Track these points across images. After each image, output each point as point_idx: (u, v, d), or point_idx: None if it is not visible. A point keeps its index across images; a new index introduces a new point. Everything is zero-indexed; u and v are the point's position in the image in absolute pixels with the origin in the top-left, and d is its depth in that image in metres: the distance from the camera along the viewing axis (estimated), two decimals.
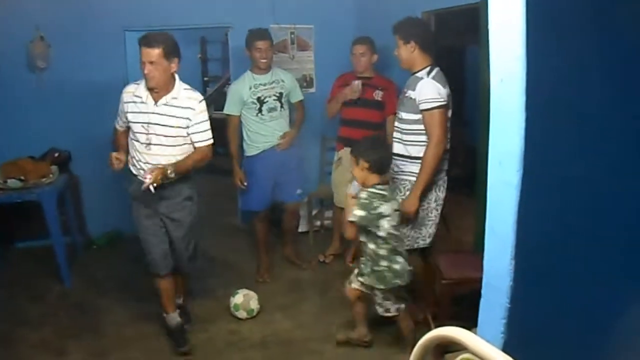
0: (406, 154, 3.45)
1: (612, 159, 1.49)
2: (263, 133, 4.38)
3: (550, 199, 1.39)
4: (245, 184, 4.40)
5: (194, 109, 3.37)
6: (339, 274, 4.56)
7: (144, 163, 3.31)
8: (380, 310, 3.30)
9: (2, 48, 4.79)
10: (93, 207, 5.33)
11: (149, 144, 3.30)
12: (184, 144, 3.38)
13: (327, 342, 3.55)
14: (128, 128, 3.38)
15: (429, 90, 3.29)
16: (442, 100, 3.29)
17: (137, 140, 3.32)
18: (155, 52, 3.16)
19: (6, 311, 3.98)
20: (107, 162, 3.27)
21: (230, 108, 4.38)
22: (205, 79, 9.51)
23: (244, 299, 3.88)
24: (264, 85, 4.34)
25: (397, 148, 3.51)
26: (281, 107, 4.40)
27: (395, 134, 3.57)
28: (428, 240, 3.56)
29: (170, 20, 5.22)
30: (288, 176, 4.50)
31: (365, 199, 3.10)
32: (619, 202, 1.53)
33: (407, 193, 3.44)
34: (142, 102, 3.28)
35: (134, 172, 3.38)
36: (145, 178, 3.11)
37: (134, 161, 3.37)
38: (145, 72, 3.18)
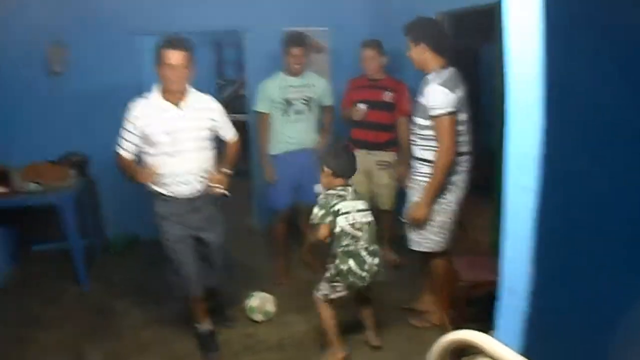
0: (421, 157, 3.43)
1: (633, 160, 1.46)
2: (287, 134, 4.40)
3: (568, 201, 1.38)
4: (275, 178, 4.44)
5: (215, 109, 3.42)
6: None
7: (173, 176, 3.22)
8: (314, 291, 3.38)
9: (21, 54, 4.85)
10: (110, 210, 5.38)
11: (177, 151, 3.19)
12: (207, 147, 3.37)
13: (344, 343, 3.53)
14: (133, 153, 3.28)
15: (436, 96, 3.21)
16: (450, 106, 3.20)
17: (163, 153, 3.18)
18: (182, 55, 3.13)
19: (24, 313, 4.03)
20: (140, 181, 3.18)
21: (260, 105, 4.45)
22: (220, 82, 9.56)
23: (260, 302, 3.89)
24: (294, 87, 4.36)
25: (414, 151, 3.50)
26: (309, 110, 4.42)
27: (411, 137, 3.55)
28: (423, 245, 3.51)
29: (186, 24, 5.25)
30: (310, 177, 4.40)
31: (324, 198, 3.28)
32: None
33: (413, 194, 3.47)
34: (164, 111, 3.19)
35: (160, 190, 3.26)
36: (216, 188, 3.23)
37: (162, 177, 3.22)
38: (171, 75, 3.10)
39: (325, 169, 3.33)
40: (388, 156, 4.59)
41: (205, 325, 3.58)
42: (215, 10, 5.28)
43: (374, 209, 4.74)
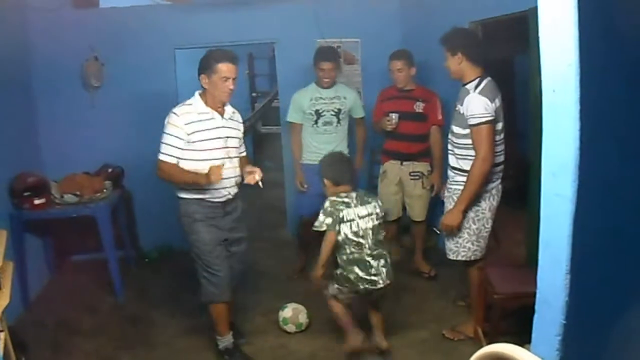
0: (458, 166, 3.42)
1: None
2: (316, 144, 4.53)
3: (605, 211, 1.35)
4: (305, 186, 4.55)
5: (241, 121, 3.58)
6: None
7: (222, 180, 3.25)
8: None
9: (59, 68, 4.99)
10: (145, 221, 5.46)
11: (228, 157, 3.35)
12: (239, 154, 3.55)
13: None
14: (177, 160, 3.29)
15: (475, 105, 3.20)
16: (489, 115, 3.19)
17: (215, 159, 3.25)
18: (235, 68, 3.29)
19: (62, 321, 4.10)
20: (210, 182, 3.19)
21: (292, 116, 4.63)
22: (253, 94, 9.65)
23: (292, 313, 3.89)
24: (324, 99, 4.51)
25: (450, 160, 3.52)
26: (338, 122, 4.54)
27: (449, 146, 3.55)
28: (460, 254, 3.50)
29: (218, 37, 5.32)
30: None
31: (329, 206, 3.31)
32: None
33: (447, 202, 3.49)
34: (212, 119, 3.29)
35: (201, 195, 3.32)
36: (255, 178, 3.37)
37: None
38: (225, 87, 3.24)
39: (326, 180, 3.45)
40: (421, 167, 4.56)
41: (229, 338, 3.54)
42: (247, 22, 5.35)
43: (406, 219, 4.76)
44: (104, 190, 4.62)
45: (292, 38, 5.37)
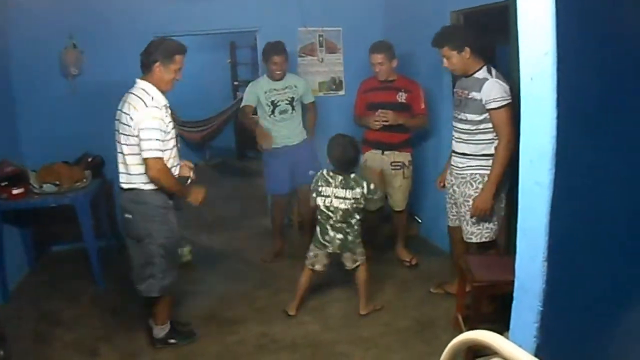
0: (470, 152, 3.56)
1: None
2: (275, 131, 4.76)
3: (582, 198, 1.36)
4: (264, 147, 4.73)
5: None
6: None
7: (176, 166, 3.38)
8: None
9: (37, 56, 4.90)
10: None
11: (177, 144, 3.40)
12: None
13: (356, 344, 3.53)
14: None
15: (497, 90, 3.34)
16: (509, 98, 3.33)
17: (174, 147, 3.33)
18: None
19: (42, 312, 4.07)
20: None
21: (247, 100, 4.84)
22: (235, 83, 9.59)
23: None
24: (277, 90, 4.74)
25: (460, 147, 3.64)
26: (292, 110, 4.81)
27: (456, 135, 3.67)
28: (484, 236, 3.63)
29: (200, 24, 5.28)
30: (302, 166, 4.80)
31: (316, 178, 3.90)
32: None
33: (480, 186, 3.53)
34: (169, 107, 3.31)
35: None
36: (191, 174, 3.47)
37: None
38: (180, 78, 3.30)
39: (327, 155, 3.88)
40: (402, 157, 4.58)
41: (168, 325, 3.61)
42: (229, 10, 5.31)
43: (388, 209, 4.78)
44: (84, 180, 4.57)
45: (274, 26, 5.33)
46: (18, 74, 4.91)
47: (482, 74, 3.45)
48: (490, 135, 3.46)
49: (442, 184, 4.02)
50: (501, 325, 1.64)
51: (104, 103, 5.04)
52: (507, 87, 3.36)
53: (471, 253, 3.69)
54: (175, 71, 3.24)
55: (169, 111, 3.28)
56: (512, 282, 1.51)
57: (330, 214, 3.79)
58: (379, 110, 4.40)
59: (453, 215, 3.87)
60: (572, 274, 1.41)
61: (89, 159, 4.90)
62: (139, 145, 3.13)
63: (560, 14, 1.22)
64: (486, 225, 3.60)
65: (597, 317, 1.48)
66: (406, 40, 4.74)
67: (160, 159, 3.16)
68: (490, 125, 3.43)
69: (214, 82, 9.32)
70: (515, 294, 1.50)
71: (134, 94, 3.20)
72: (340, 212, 3.77)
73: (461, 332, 1.37)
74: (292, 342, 3.61)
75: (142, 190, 3.26)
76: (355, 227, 3.84)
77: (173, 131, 3.29)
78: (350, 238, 3.83)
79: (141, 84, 3.23)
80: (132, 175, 3.25)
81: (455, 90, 3.75)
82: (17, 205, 4.34)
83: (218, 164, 9.54)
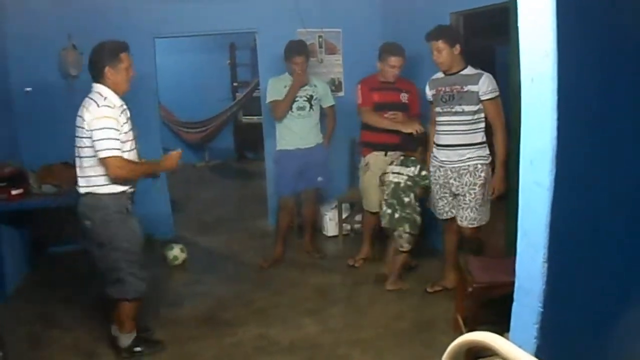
0: (470, 142, 3.81)
1: None
2: (290, 129, 4.74)
3: (582, 199, 1.36)
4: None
5: None
6: (368, 278, 4.55)
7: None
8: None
9: (36, 56, 4.90)
10: None
11: (136, 146, 3.33)
12: None
13: (355, 346, 3.52)
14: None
15: (491, 82, 3.72)
16: (499, 91, 3.73)
17: (132, 150, 3.26)
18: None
19: (40, 313, 4.05)
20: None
21: (272, 95, 4.73)
22: (235, 84, 9.60)
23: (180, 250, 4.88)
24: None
25: (458, 139, 3.83)
26: (310, 108, 4.73)
27: (449, 128, 3.86)
28: (483, 220, 3.91)
29: (199, 26, 5.29)
30: (312, 170, 4.82)
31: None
32: None
33: (483, 175, 3.81)
34: (126, 109, 3.25)
35: (124, 187, 3.24)
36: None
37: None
38: (133, 74, 3.28)
39: None
40: None
41: (134, 332, 3.47)
42: (229, 11, 5.31)
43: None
44: None
45: (273, 28, 5.33)
46: (17, 74, 4.91)
47: (470, 70, 3.80)
48: (482, 124, 3.80)
49: None
50: (501, 327, 1.64)
51: None
52: (495, 82, 3.74)
53: (468, 239, 3.98)
54: (126, 69, 3.20)
55: (127, 113, 3.24)
56: (512, 283, 1.51)
57: (384, 188, 4.26)
58: (390, 112, 4.46)
59: (446, 207, 4.04)
60: (572, 274, 1.41)
61: None
62: (93, 147, 3.07)
63: (560, 16, 1.22)
64: (483, 209, 3.87)
65: (597, 318, 1.47)
66: (406, 41, 4.73)
67: (118, 156, 3.08)
68: (482, 115, 3.77)
69: (214, 83, 9.32)
70: (515, 295, 1.49)
71: (89, 97, 3.17)
72: (392, 186, 4.17)
73: (461, 333, 1.37)
74: (291, 344, 3.61)
75: (99, 194, 3.17)
76: (407, 208, 4.14)
77: (131, 133, 3.23)
78: (397, 216, 4.15)
79: (97, 87, 3.19)
80: (87, 177, 3.18)
81: (436, 89, 3.94)
82: (16, 206, 4.32)
83: (217, 165, 9.55)
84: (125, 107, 3.23)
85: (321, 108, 4.85)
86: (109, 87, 3.17)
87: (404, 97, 4.50)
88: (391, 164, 4.30)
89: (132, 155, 3.23)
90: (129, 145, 3.21)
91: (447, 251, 4.26)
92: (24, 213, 4.57)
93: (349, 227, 5.55)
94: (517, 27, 1.39)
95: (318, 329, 3.77)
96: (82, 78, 5.00)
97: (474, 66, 3.82)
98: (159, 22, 5.11)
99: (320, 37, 5.61)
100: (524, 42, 1.37)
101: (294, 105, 4.67)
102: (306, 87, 4.70)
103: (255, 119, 8.49)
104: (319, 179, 4.87)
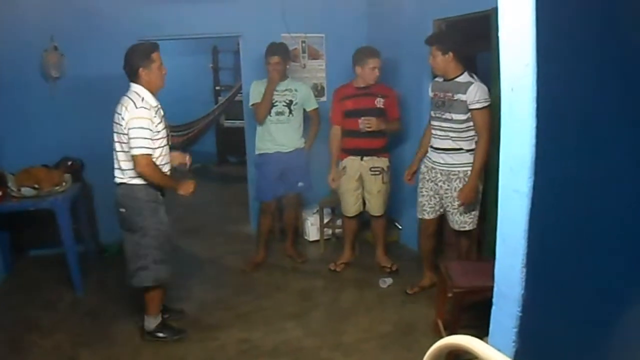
0: (457, 147, 3.84)
1: (624, 165, 1.48)
2: (269, 133, 4.73)
3: (561, 206, 1.39)
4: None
5: None
6: (349, 282, 4.57)
7: (165, 164, 3.55)
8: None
9: (17, 57, 4.85)
10: (105, 215, 5.35)
11: (169, 143, 3.58)
12: None
13: (337, 350, 3.54)
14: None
15: (482, 92, 3.68)
16: (490, 100, 3.68)
17: (164, 146, 3.51)
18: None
19: (19, 318, 4.02)
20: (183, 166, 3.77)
21: (255, 99, 4.71)
22: (217, 88, 9.58)
23: None
24: (277, 91, 4.64)
25: (445, 144, 3.89)
26: (289, 113, 4.72)
27: (440, 133, 3.90)
28: (474, 223, 3.95)
29: (183, 29, 5.27)
30: (292, 175, 4.82)
31: None
32: (633, 208, 1.51)
33: (458, 182, 3.85)
34: (160, 108, 3.49)
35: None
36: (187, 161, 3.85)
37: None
38: (165, 72, 3.50)
39: None
40: (381, 162, 4.62)
41: (159, 318, 3.74)
42: (212, 15, 5.31)
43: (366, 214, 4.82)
44: (64, 184, 4.53)
45: (257, 32, 5.34)
46: None
47: (464, 78, 3.76)
48: (473, 132, 3.78)
49: (409, 178, 4.30)
50: (481, 331, 1.66)
51: (85, 107, 5.05)
52: (487, 90, 3.69)
53: (459, 240, 4.08)
54: (158, 68, 3.44)
55: (161, 112, 3.47)
56: (492, 288, 1.53)
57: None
58: (363, 118, 4.43)
59: (431, 208, 4.08)
60: (550, 280, 1.43)
61: (69, 163, 4.86)
62: (128, 143, 3.32)
63: (540, 27, 1.25)
64: (473, 213, 3.91)
65: (575, 323, 1.50)
66: (389, 47, 4.78)
67: (148, 155, 3.35)
68: (472, 123, 3.75)
69: (196, 87, 9.28)
70: (494, 300, 1.51)
71: (127, 96, 3.39)
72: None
73: (441, 337, 1.39)
74: (274, 348, 3.61)
75: (131, 185, 3.44)
76: None
77: (163, 131, 3.47)
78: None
79: (134, 87, 3.42)
80: (122, 170, 3.45)
81: (434, 92, 3.97)
82: None
83: (199, 169, 9.51)
84: (159, 106, 3.47)
85: (306, 112, 4.84)
86: (143, 86, 3.41)
87: (379, 102, 4.51)
88: None
89: (164, 152, 3.49)
90: (159, 143, 3.44)
91: (424, 252, 4.32)
92: (2, 216, 4.51)
93: (330, 231, 5.57)
94: (498, 36, 1.41)
95: (301, 333, 3.78)
96: (64, 80, 4.99)
97: (470, 72, 3.81)
98: (143, 25, 5.08)
99: (303, 42, 5.63)
100: (504, 52, 1.40)
101: (273, 110, 4.66)
102: (286, 92, 4.68)
103: (237, 122, 8.46)
104: (300, 184, 4.88)
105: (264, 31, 5.28)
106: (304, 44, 5.64)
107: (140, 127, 3.29)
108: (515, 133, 1.35)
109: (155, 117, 3.37)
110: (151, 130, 3.34)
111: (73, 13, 4.96)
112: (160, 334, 3.70)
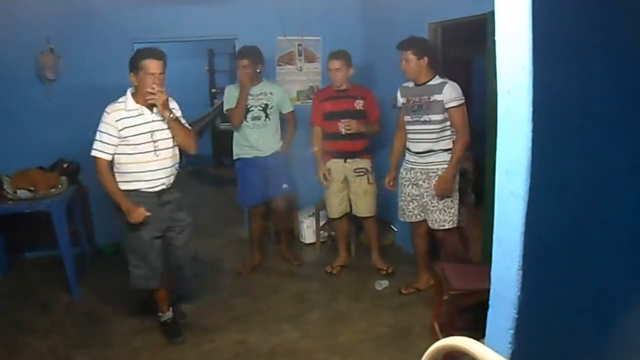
0: (436, 148, 3.94)
1: (619, 168, 1.49)
2: (246, 139, 4.71)
3: (557, 208, 1.40)
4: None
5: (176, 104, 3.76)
6: (345, 285, 4.57)
7: (153, 172, 3.49)
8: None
9: (13, 59, 4.84)
10: (101, 217, 5.35)
11: (157, 150, 3.48)
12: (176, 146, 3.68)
13: (334, 352, 3.54)
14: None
15: (456, 91, 3.81)
16: (464, 98, 3.82)
17: (143, 152, 3.44)
18: (161, 65, 3.43)
19: (15, 320, 4.00)
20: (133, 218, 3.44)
21: (230, 104, 4.69)
22: (213, 90, 9.57)
23: None
24: (252, 96, 4.63)
25: (424, 147, 3.98)
26: (266, 117, 4.70)
27: (419, 136, 3.99)
28: (454, 222, 4.00)
29: (178, 32, 5.27)
30: (274, 178, 4.78)
31: None
32: (628, 211, 1.53)
33: (435, 179, 3.93)
34: (140, 114, 3.43)
35: (140, 187, 3.50)
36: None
37: (139, 175, 3.47)
38: (156, 83, 3.38)
39: None
40: (364, 163, 4.64)
41: (168, 314, 3.81)
42: (208, 17, 5.31)
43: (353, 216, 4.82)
44: (59, 186, 4.52)
45: (253, 34, 5.33)
46: None
47: (437, 80, 3.89)
48: (449, 132, 3.92)
49: (391, 184, 4.33)
50: (477, 333, 1.67)
51: (81, 109, 5.01)
52: (460, 89, 3.83)
53: (443, 241, 4.11)
54: (147, 76, 3.36)
55: (146, 119, 3.45)
56: (488, 290, 1.54)
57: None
58: (342, 120, 4.45)
59: (410, 212, 4.16)
60: (546, 282, 1.44)
61: (65, 165, 4.85)
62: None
63: (536, 30, 1.26)
64: (451, 211, 3.97)
65: (571, 325, 1.51)
66: (384, 50, 4.78)
67: (101, 159, 3.40)
68: (449, 123, 3.88)
69: (191, 89, 9.24)
70: (490, 302, 1.52)
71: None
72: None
73: (437, 339, 1.39)
74: (270, 350, 3.61)
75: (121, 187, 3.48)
76: None
77: (138, 137, 3.42)
78: None
79: (126, 94, 3.48)
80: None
81: (406, 98, 4.05)
82: None
83: (194, 171, 9.49)
84: (142, 113, 3.44)
85: (282, 114, 4.82)
86: (135, 93, 3.46)
87: (358, 104, 4.53)
88: None
89: (140, 159, 3.44)
90: (132, 149, 3.42)
91: (418, 254, 4.36)
92: None
93: (326, 234, 5.57)
94: (494, 39, 1.42)
95: (297, 335, 3.78)
96: (60, 82, 4.98)
97: (441, 75, 3.92)
98: (139, 27, 5.08)
99: (299, 45, 5.64)
100: (501, 55, 1.41)
101: (249, 115, 4.64)
102: (260, 96, 4.65)
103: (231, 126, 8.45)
104: (284, 185, 4.83)
105: (260, 34, 5.28)
106: (300, 47, 5.65)
107: (99, 131, 3.38)
108: (512, 136, 1.36)
109: (119, 121, 3.36)
110: (111, 135, 3.36)
111: (69, 15, 4.95)
112: (165, 327, 3.79)
